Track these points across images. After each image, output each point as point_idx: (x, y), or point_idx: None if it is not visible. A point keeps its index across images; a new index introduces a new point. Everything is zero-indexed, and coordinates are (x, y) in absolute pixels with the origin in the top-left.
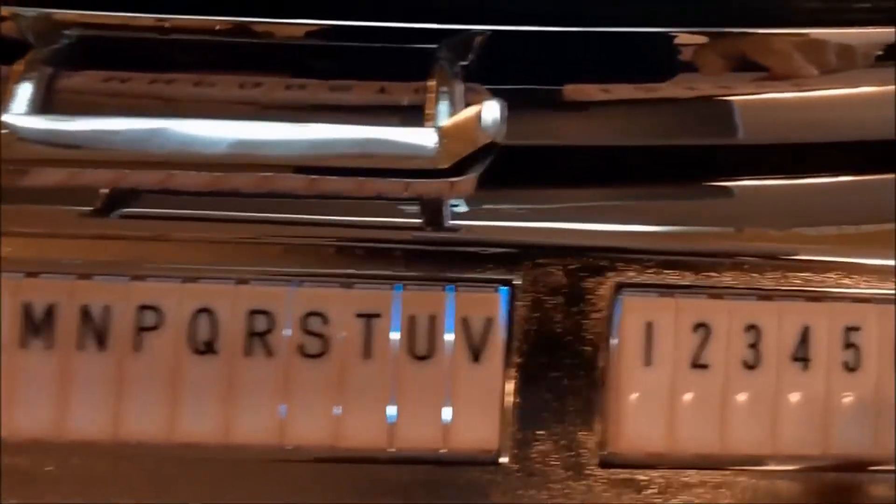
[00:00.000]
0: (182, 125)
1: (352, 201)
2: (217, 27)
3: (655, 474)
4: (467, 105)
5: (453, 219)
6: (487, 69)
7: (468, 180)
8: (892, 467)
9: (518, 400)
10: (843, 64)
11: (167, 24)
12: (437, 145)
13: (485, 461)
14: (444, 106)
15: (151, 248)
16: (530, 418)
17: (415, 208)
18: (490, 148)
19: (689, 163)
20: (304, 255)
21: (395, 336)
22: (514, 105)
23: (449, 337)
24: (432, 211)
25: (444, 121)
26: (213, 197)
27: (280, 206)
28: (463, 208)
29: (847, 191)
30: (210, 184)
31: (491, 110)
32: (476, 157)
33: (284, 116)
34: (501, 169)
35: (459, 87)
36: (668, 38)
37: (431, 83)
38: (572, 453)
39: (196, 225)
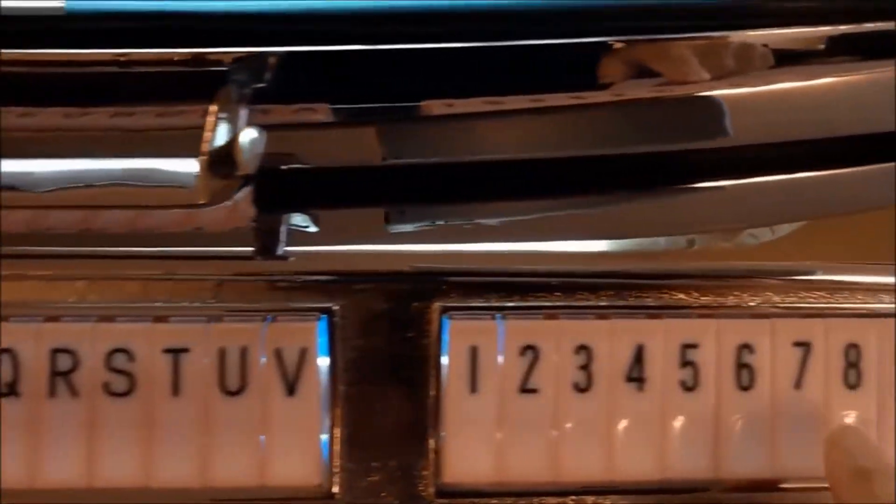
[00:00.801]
0: None
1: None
2: None
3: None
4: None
5: (264, 247)
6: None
7: (223, 212)
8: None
9: (346, 431)
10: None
11: None
12: (197, 177)
13: (316, 497)
14: (221, 133)
15: None
16: (361, 450)
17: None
18: (252, 178)
19: (507, 179)
20: (110, 289)
21: (205, 371)
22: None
23: (262, 370)
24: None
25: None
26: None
27: (88, 240)
28: (278, 236)
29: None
30: None
31: (251, 140)
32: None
33: (59, 148)
34: (308, 192)
35: (243, 113)
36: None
37: (213, 108)
38: (407, 484)
39: None
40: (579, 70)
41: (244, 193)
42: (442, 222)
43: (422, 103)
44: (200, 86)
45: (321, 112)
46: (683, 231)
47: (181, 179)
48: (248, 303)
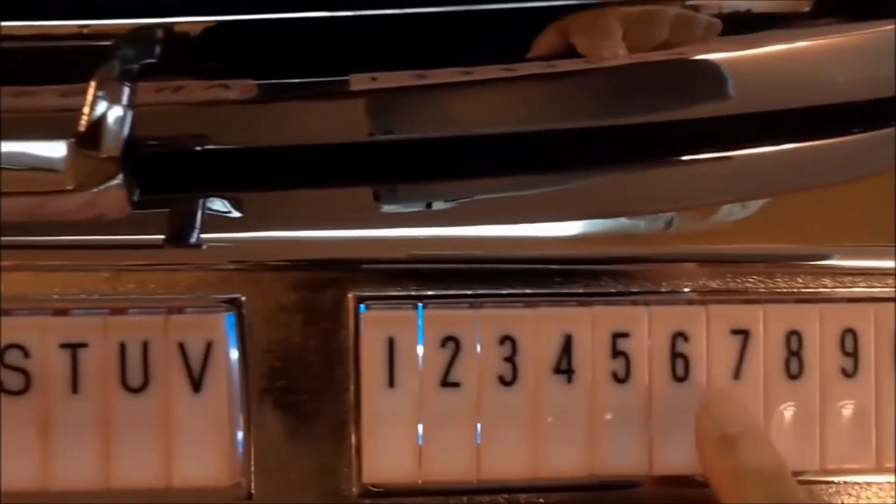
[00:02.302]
0: None
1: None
2: None
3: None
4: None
5: (165, 235)
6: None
7: (115, 198)
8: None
9: (261, 429)
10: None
11: None
12: (66, 160)
13: (233, 498)
14: (97, 111)
15: None
16: (277, 448)
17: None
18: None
19: (421, 159)
20: (4, 282)
21: (104, 366)
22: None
23: (165, 365)
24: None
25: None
26: None
27: None
28: (180, 223)
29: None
30: None
31: (113, 117)
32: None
33: None
34: (212, 175)
35: (126, 94)
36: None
37: (90, 86)
38: (329, 483)
39: None
40: (552, 37)
41: (120, 175)
42: (353, 207)
43: (350, 77)
44: (83, 62)
45: (237, 89)
46: (624, 212)
47: (49, 163)
48: (148, 294)
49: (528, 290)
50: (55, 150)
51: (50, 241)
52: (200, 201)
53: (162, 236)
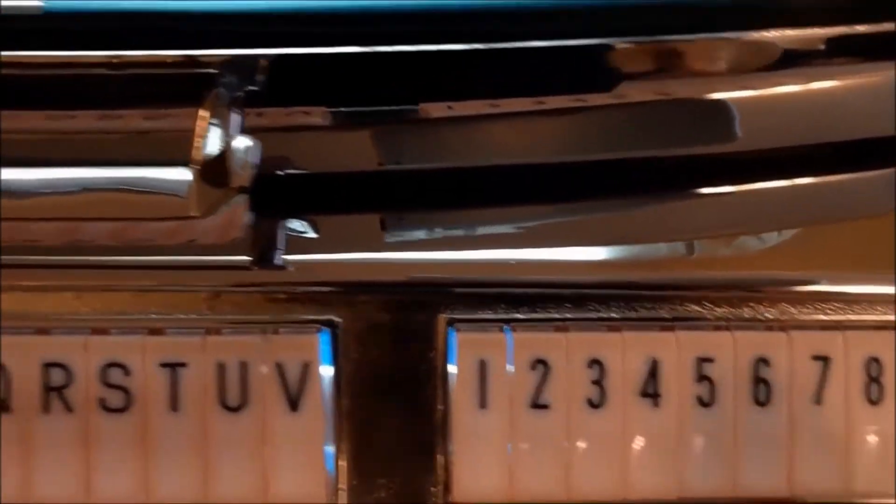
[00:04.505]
0: None
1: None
2: None
3: None
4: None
5: (261, 256)
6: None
7: (217, 220)
8: None
9: (351, 447)
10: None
11: None
12: (190, 186)
13: None
14: (212, 139)
15: None
16: (367, 466)
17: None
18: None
19: (511, 185)
20: (102, 301)
21: (204, 386)
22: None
23: (263, 385)
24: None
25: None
26: None
27: (78, 249)
28: (276, 245)
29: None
30: None
31: (244, 151)
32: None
33: (46, 152)
34: (307, 198)
35: (235, 117)
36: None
37: (203, 112)
38: (416, 502)
39: None
40: (581, 72)
41: (239, 201)
42: (446, 230)
43: (421, 106)
44: (190, 89)
45: (317, 115)
46: (692, 237)
47: (173, 188)
48: (246, 314)
49: (613, 315)
50: (179, 175)
51: (147, 261)
52: (288, 223)
53: (254, 257)
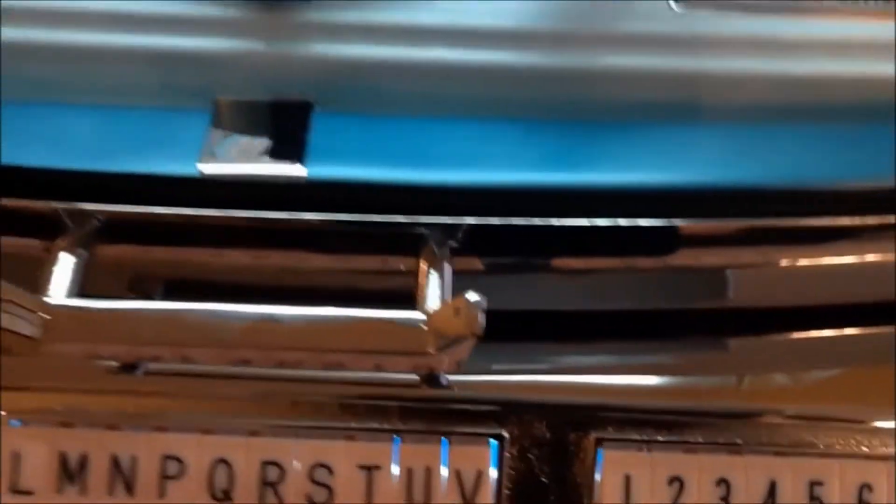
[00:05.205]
0: (198, 308)
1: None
2: (233, 219)
3: None
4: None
5: (446, 378)
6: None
7: (454, 361)
8: None
9: None
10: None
11: (184, 215)
12: (426, 331)
13: None
14: (433, 288)
15: (173, 403)
16: None
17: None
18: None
19: (662, 325)
20: (311, 410)
21: (394, 486)
22: (501, 272)
23: (444, 488)
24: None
25: (433, 304)
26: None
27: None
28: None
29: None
30: (223, 359)
31: (474, 304)
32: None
33: (293, 295)
34: (491, 330)
35: (448, 272)
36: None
37: (423, 265)
38: None
39: (212, 382)
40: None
41: (469, 343)
42: (598, 358)
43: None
44: (407, 245)
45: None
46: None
47: (411, 331)
48: (430, 425)
49: (738, 441)
50: (416, 316)
51: (347, 378)
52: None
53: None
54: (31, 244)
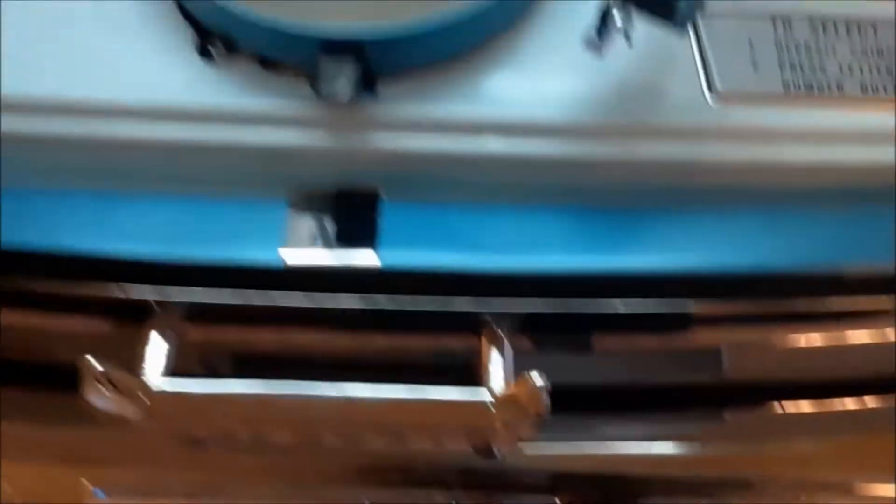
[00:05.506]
0: (286, 391)
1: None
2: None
3: None
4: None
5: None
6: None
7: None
8: None
9: None
10: None
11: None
12: (493, 413)
13: None
14: (496, 368)
15: (244, 475)
16: None
17: None
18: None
19: (698, 399)
20: (377, 481)
21: None
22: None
23: None
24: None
25: (498, 384)
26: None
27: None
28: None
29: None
30: (304, 437)
31: (540, 385)
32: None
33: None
34: None
35: (509, 351)
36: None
37: (486, 347)
38: None
39: (284, 454)
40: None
41: (534, 422)
42: (641, 429)
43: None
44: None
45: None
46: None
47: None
48: (488, 495)
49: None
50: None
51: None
52: None
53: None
54: (119, 327)
